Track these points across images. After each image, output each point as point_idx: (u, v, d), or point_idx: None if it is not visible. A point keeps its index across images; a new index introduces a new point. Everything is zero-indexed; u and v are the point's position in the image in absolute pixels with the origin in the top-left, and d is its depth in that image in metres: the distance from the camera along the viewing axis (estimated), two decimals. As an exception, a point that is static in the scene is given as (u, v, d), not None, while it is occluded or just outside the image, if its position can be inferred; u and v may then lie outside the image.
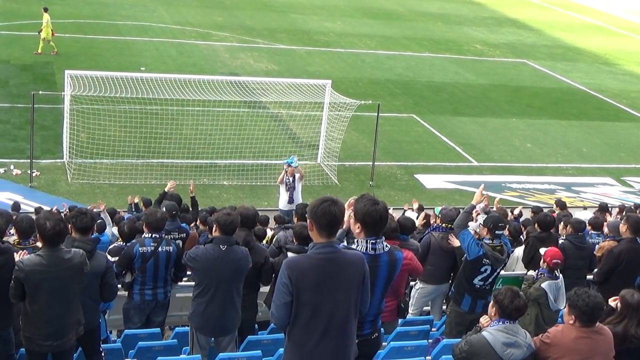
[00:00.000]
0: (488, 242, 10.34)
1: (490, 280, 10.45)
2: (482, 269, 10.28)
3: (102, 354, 8.92)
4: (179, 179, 22.05)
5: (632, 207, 19.21)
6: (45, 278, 7.62)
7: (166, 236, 12.02)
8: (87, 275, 7.98)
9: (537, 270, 10.70)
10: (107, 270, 8.65)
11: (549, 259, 10.27)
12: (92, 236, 9.20)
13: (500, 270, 10.64)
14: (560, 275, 10.37)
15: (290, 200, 18.73)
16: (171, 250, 10.25)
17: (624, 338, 7.74)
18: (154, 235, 10.20)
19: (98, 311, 8.98)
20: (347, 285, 6.11)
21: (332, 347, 6.13)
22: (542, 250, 10.54)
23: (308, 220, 6.12)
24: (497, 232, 10.35)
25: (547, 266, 10.30)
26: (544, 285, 10.08)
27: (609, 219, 16.26)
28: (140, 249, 10.06)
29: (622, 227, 11.77)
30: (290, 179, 19.06)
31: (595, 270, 12.04)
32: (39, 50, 32.29)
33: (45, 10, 32.40)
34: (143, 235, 10.35)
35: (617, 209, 19.14)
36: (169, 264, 10.31)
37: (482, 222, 10.70)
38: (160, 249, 10.14)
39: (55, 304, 7.75)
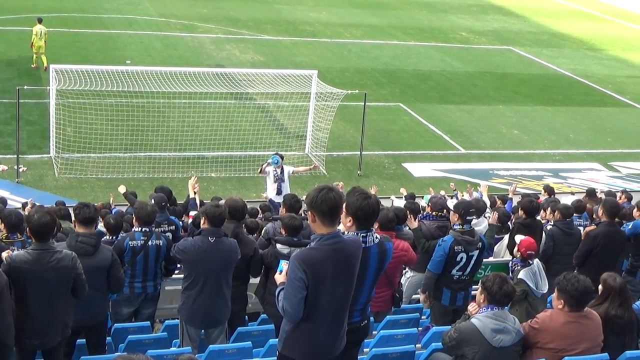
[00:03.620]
0: (458, 227, 10.23)
1: (468, 270, 10.26)
2: (458, 258, 10.12)
3: (106, 348, 8.94)
4: (166, 172, 22.11)
5: (620, 192, 19.21)
6: (30, 278, 7.59)
7: (156, 229, 12.07)
8: (74, 278, 7.89)
9: (510, 261, 10.62)
10: (113, 262, 8.77)
11: (523, 250, 10.12)
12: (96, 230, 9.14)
13: (479, 258, 10.38)
14: (535, 261, 10.29)
15: (279, 192, 18.64)
16: (161, 244, 10.25)
17: (605, 320, 7.80)
18: (143, 229, 10.19)
19: (106, 303, 9.01)
20: (353, 271, 6.27)
21: (339, 332, 6.38)
22: (518, 239, 10.44)
23: (309, 213, 6.17)
24: (467, 217, 10.22)
25: (520, 256, 10.25)
26: (520, 276, 9.99)
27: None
28: (130, 242, 10.05)
29: (600, 211, 11.85)
30: (278, 170, 19.02)
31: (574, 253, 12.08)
32: (43, 64, 29.49)
33: (39, 21, 30.32)
34: (133, 229, 10.35)
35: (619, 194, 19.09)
36: (159, 258, 10.31)
37: (452, 208, 10.63)
38: (150, 242, 10.14)
39: (39, 304, 7.71)
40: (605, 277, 8.16)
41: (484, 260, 12.37)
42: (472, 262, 10.26)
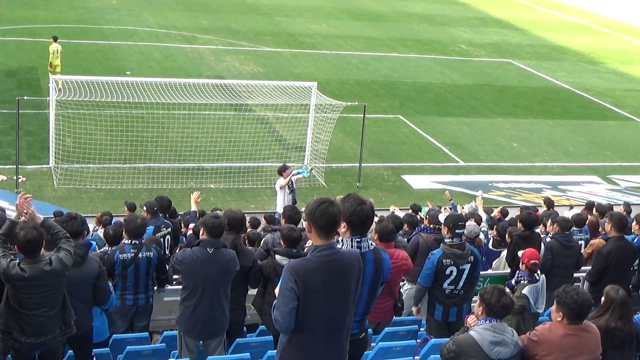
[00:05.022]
0: (448, 241, 10.21)
1: (461, 284, 10.20)
2: (447, 271, 10.10)
3: (94, 359, 8.92)
4: (165, 183, 22.09)
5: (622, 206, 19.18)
6: (24, 285, 7.66)
7: (156, 233, 12.17)
8: (67, 276, 7.96)
9: (516, 273, 10.56)
10: (100, 274, 8.76)
11: (526, 261, 10.11)
12: (84, 240, 9.18)
13: (472, 273, 10.31)
14: (542, 277, 10.29)
15: (294, 202, 18.58)
16: (151, 255, 10.29)
17: (605, 332, 7.80)
18: (133, 242, 10.23)
19: (90, 315, 8.99)
20: (348, 284, 6.21)
21: (335, 346, 6.29)
22: (520, 253, 10.44)
23: (306, 223, 6.15)
24: (457, 231, 10.17)
25: (526, 268, 10.21)
26: (525, 291, 9.96)
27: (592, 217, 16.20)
28: (120, 255, 10.10)
29: (607, 226, 11.78)
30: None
31: (588, 271, 12.00)
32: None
33: (55, 39, 29.23)
34: (123, 242, 10.37)
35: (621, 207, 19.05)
36: (150, 270, 10.35)
37: (442, 221, 10.63)
38: (140, 255, 10.19)
39: (36, 306, 7.77)
40: (608, 289, 8.17)
41: (483, 272, 12.40)
42: (464, 276, 10.20)
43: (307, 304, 6.03)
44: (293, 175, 19.16)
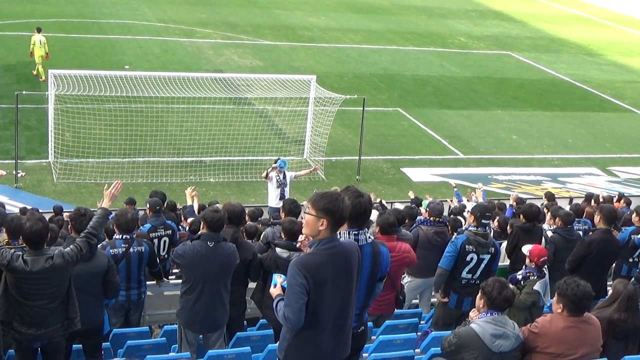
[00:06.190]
0: (472, 229, 10.24)
1: (478, 273, 10.21)
2: (468, 258, 10.14)
3: (102, 353, 8.93)
4: (165, 177, 22.08)
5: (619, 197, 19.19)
6: (27, 277, 7.66)
7: (152, 233, 12.09)
8: (70, 271, 7.95)
9: (523, 270, 10.48)
10: (109, 268, 8.81)
11: (536, 259, 10.02)
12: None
13: (490, 264, 10.31)
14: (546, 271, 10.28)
15: (282, 197, 18.60)
16: (143, 250, 10.26)
17: (609, 323, 7.80)
18: (124, 237, 10.20)
19: (101, 309, 9.01)
20: (352, 275, 6.23)
21: (340, 339, 6.32)
22: (525, 250, 10.36)
23: (319, 217, 6.02)
24: (483, 221, 10.21)
25: (535, 265, 10.17)
26: (536, 287, 9.93)
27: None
28: (110, 250, 10.05)
29: (597, 218, 11.73)
30: (281, 176, 19.01)
31: (568, 258, 11.97)
32: (42, 75, 28.67)
33: (38, 30, 29.54)
34: (114, 237, 10.34)
35: (616, 197, 19.05)
36: (142, 264, 10.32)
37: (469, 210, 10.65)
38: (131, 249, 10.16)
39: (38, 299, 7.77)
40: (616, 282, 8.23)
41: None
42: (483, 265, 10.23)
43: (317, 298, 6.03)
44: (273, 169, 19.06)
